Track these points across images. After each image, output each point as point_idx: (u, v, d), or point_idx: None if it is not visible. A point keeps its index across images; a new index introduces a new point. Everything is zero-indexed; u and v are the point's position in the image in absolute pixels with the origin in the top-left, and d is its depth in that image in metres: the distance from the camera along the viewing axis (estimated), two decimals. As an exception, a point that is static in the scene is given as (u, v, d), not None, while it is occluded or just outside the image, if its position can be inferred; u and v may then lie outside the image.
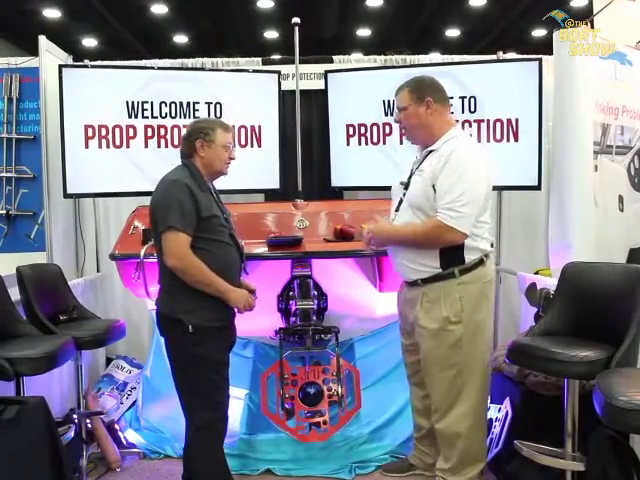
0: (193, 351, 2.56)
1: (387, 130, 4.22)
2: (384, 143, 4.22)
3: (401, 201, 2.80)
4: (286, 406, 3.34)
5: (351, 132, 4.32)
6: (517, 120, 4.05)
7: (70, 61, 4.45)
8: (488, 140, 4.10)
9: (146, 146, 4.15)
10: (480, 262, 2.70)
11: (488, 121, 4.09)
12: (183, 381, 2.67)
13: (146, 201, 3.72)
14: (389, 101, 4.13)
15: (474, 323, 2.71)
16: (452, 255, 2.65)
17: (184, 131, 2.81)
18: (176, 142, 4.10)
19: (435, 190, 2.60)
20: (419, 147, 2.87)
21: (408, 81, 2.81)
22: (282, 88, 4.34)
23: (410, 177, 2.79)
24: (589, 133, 3.56)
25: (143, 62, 4.62)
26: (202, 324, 2.56)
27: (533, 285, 3.41)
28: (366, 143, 4.31)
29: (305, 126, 4.39)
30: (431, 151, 2.72)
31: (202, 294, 2.55)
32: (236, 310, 2.68)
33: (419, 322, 2.75)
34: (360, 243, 3.40)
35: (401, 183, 2.84)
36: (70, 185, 4.02)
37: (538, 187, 4.05)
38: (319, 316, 3.52)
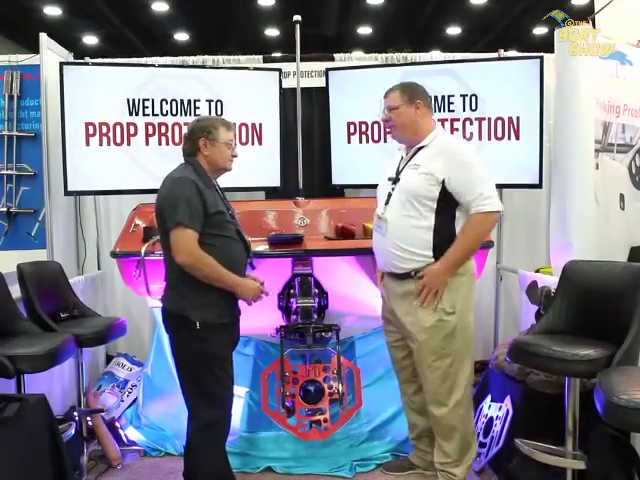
0: (199, 348, 2.57)
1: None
2: (385, 141, 4.21)
3: (389, 195, 2.87)
4: (287, 404, 3.34)
5: (352, 130, 4.33)
6: (518, 118, 4.05)
7: (71, 59, 4.45)
8: (489, 138, 4.11)
9: (147, 144, 4.15)
10: None
11: (489, 119, 4.10)
12: (188, 378, 2.67)
13: (147, 199, 3.76)
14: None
15: (466, 313, 2.83)
16: (445, 247, 2.74)
17: (185, 129, 2.81)
18: (177, 140, 4.10)
19: (444, 183, 2.70)
20: (403, 146, 2.98)
21: (400, 84, 2.96)
22: (283, 86, 4.34)
23: (399, 172, 2.87)
24: (590, 131, 3.55)
25: (144, 60, 4.62)
26: (209, 321, 2.57)
27: (534, 283, 3.41)
28: (367, 141, 4.32)
29: (306, 124, 4.39)
30: (421, 147, 2.85)
31: (210, 291, 2.56)
32: (246, 302, 2.69)
33: (415, 315, 2.81)
34: (360, 241, 3.41)
35: (389, 179, 2.91)
36: (71, 183, 4.02)
37: (539, 185, 4.05)
38: (320, 314, 3.53)
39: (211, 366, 2.60)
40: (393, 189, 2.85)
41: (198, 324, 2.54)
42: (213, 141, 2.66)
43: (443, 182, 2.70)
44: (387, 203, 2.87)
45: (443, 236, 2.74)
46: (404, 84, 2.95)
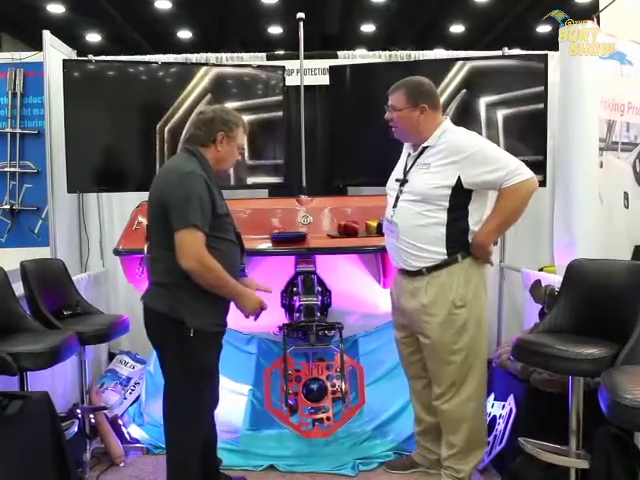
0: (189, 355, 2.45)
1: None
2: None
3: (397, 197, 2.80)
4: (290, 402, 3.34)
5: (355, 128, 4.30)
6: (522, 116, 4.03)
7: (74, 56, 4.44)
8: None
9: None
10: None
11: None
12: (172, 383, 2.55)
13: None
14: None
15: (477, 306, 2.77)
16: (458, 240, 2.70)
17: (204, 115, 2.56)
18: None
19: (460, 181, 2.61)
20: (408, 144, 2.89)
21: (406, 82, 2.78)
22: (286, 83, 4.33)
23: (406, 172, 2.80)
24: (594, 129, 3.55)
25: (147, 57, 4.61)
26: (204, 328, 2.45)
27: (538, 282, 3.40)
28: (371, 139, 4.29)
29: (309, 122, 4.37)
30: (428, 146, 2.75)
31: (208, 298, 2.43)
32: (243, 314, 2.57)
33: (426, 310, 2.76)
34: (363, 239, 3.40)
35: (397, 180, 2.84)
36: (74, 180, 4.02)
37: (543, 184, 4.04)
38: (323, 312, 3.53)
39: (199, 374, 2.50)
40: (401, 191, 2.78)
41: (192, 331, 2.41)
42: (230, 139, 2.52)
43: (458, 180, 2.61)
44: (395, 206, 2.81)
45: (456, 231, 2.69)
46: (410, 83, 2.77)
